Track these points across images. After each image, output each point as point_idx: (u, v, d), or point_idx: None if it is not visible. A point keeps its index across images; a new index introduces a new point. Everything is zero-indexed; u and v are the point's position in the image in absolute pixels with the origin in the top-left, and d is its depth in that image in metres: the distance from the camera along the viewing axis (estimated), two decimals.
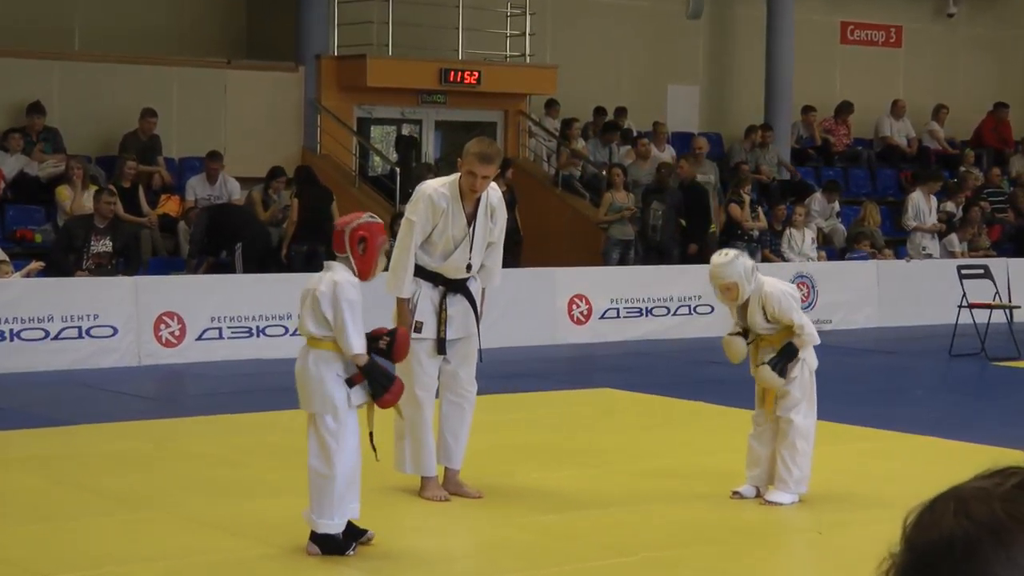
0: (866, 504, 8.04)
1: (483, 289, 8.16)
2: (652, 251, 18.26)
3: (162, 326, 13.94)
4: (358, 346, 6.74)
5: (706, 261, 8.62)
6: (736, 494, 8.17)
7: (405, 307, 7.86)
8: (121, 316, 13.76)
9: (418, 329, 7.84)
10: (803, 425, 8.05)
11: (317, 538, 6.83)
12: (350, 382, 6.79)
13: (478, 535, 7.73)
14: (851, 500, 8.25)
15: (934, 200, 20.27)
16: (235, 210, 16.64)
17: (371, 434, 6.92)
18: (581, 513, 7.90)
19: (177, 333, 14.01)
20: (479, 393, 8.26)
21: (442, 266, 7.91)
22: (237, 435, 10.19)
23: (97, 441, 9.90)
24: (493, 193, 8.01)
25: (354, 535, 6.91)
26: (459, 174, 7.87)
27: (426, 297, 7.87)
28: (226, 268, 15.93)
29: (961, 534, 1.43)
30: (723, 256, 8.03)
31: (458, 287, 7.96)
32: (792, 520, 7.96)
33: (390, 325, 7.57)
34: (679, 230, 18.30)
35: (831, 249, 19.76)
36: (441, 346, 7.90)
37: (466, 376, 8.10)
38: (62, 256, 14.58)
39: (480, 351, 8.19)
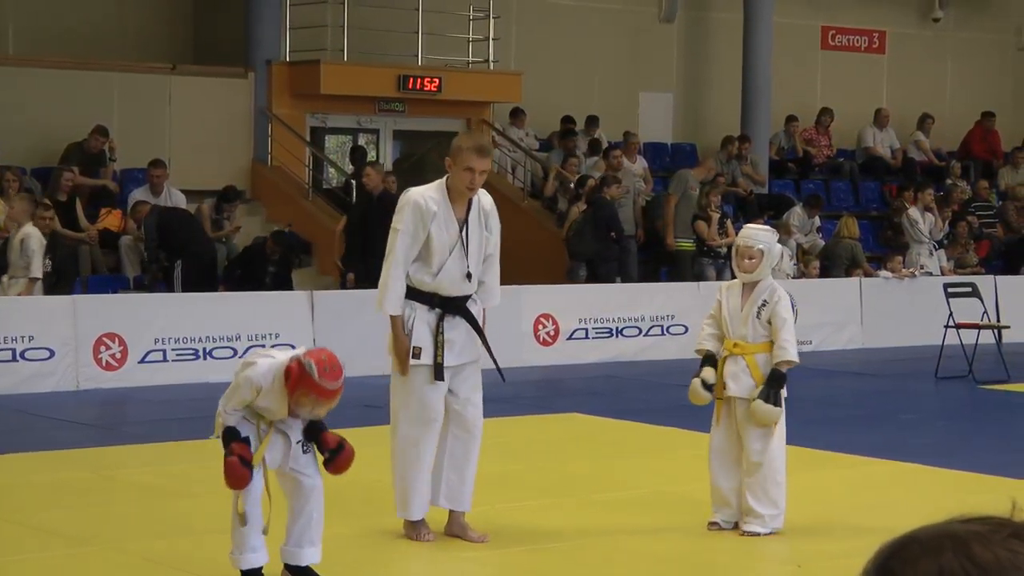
0: (847, 535, 8.09)
1: (483, 309, 8.09)
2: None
3: (102, 348, 13.91)
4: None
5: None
6: (713, 524, 8.21)
7: (398, 325, 7.68)
8: (58, 337, 13.72)
9: (416, 355, 7.69)
10: (778, 457, 8.09)
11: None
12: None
13: (436, 570, 7.74)
14: (831, 531, 8.30)
15: (928, 215, 20.42)
16: (185, 217, 16.57)
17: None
18: (547, 546, 7.92)
19: (118, 355, 13.98)
20: None
21: (437, 282, 7.76)
22: (183, 464, 10.17)
23: (33, 471, 9.87)
24: (485, 198, 7.95)
25: None
26: (445, 177, 7.80)
27: (422, 320, 7.72)
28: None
29: (961, 573, 1.50)
30: (761, 225, 8.19)
31: (457, 308, 7.84)
32: (770, 552, 8.01)
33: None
34: (602, 245, 18.14)
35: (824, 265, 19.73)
36: (439, 372, 7.73)
37: (473, 409, 7.97)
38: None
39: (500, 371, 8.14)
